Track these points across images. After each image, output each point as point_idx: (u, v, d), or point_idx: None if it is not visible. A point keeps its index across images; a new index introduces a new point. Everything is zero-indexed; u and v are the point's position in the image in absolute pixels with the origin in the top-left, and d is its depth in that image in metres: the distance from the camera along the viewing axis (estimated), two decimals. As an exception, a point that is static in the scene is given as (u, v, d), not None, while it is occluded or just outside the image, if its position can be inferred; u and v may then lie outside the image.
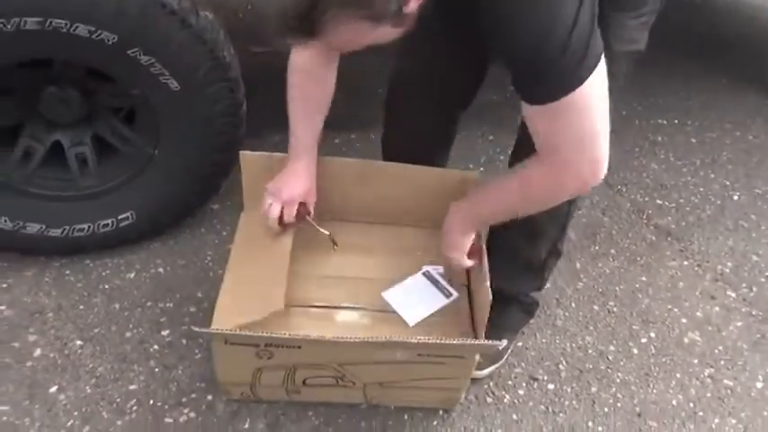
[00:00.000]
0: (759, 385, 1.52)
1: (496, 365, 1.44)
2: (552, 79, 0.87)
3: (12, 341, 1.39)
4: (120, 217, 1.51)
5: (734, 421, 1.44)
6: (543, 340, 1.56)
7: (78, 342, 1.41)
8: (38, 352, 1.38)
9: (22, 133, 1.43)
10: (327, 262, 1.37)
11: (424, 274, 1.37)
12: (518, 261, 1.38)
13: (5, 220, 1.42)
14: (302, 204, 1.26)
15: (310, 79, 1.18)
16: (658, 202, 2.06)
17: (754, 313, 1.71)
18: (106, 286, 1.54)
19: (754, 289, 1.78)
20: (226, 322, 1.16)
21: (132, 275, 1.57)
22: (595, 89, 0.89)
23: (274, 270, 1.24)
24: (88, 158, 1.48)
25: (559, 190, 1.03)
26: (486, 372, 1.42)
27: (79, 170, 1.48)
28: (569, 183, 1.00)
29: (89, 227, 1.49)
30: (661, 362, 1.55)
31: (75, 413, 1.28)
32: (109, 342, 1.42)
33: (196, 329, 1.13)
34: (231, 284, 1.25)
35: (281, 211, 1.24)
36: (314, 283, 1.33)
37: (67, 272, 1.55)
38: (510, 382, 1.45)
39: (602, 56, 0.89)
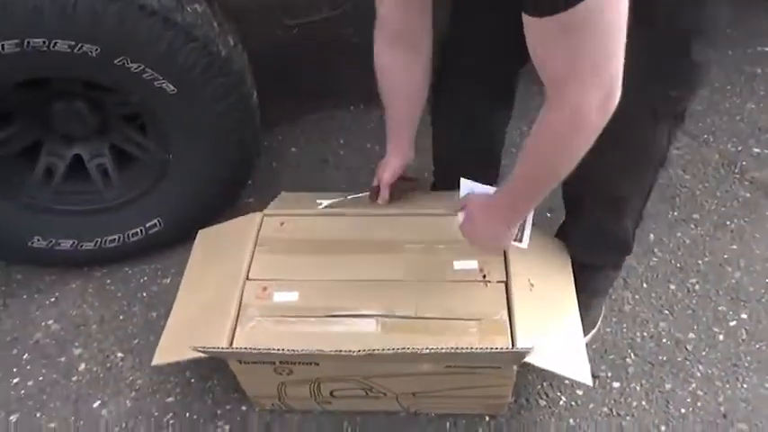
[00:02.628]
0: None
1: (594, 330, 1.36)
2: None
3: (59, 356, 1.43)
4: (147, 225, 1.49)
5: None
6: (607, 329, 1.37)
7: (119, 354, 1.42)
8: (82, 366, 1.40)
9: (41, 152, 1.43)
10: (337, 264, 1.26)
11: None
12: (604, 238, 1.28)
13: (39, 239, 1.44)
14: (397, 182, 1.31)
15: (390, 73, 1.18)
16: (755, 150, 1.73)
17: None
18: (144, 294, 1.53)
19: None
20: (164, 355, 1.16)
21: (168, 281, 1.56)
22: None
23: (223, 301, 1.18)
24: (109, 169, 1.46)
25: (580, 137, 0.89)
26: (587, 338, 1.31)
27: (102, 182, 1.46)
28: (589, 121, 0.85)
29: (119, 237, 1.49)
30: (754, 349, 1.32)
31: (116, 429, 1.29)
32: (148, 353, 1.41)
33: (200, 349, 1.07)
34: (177, 314, 1.24)
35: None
36: (331, 288, 1.22)
37: (108, 281, 1.57)
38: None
39: None
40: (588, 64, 0.79)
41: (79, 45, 1.14)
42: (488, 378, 1.13)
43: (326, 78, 2.07)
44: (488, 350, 1.05)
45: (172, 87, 1.24)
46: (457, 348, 1.02)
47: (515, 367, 1.12)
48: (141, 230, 1.49)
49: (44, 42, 1.12)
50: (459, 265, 1.22)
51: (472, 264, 1.21)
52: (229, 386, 1.34)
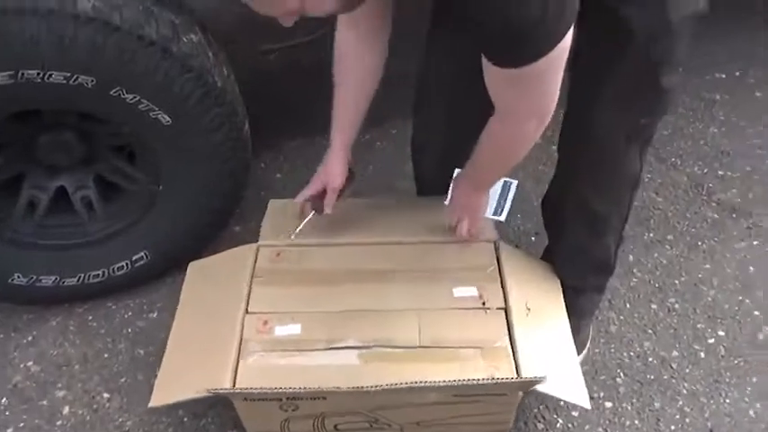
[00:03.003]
0: None
1: (585, 351, 1.40)
2: (528, 44, 0.82)
3: (41, 399, 1.36)
4: (134, 258, 1.44)
5: (824, 431, 1.27)
6: (596, 350, 1.42)
7: (106, 395, 1.37)
8: (66, 409, 1.34)
9: (23, 184, 1.37)
10: (337, 295, 1.25)
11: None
12: (587, 259, 1.32)
13: (18, 276, 1.38)
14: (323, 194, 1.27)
15: (348, 60, 1.17)
16: (720, 173, 1.84)
17: (839, 297, 1.51)
18: (129, 330, 1.49)
19: (838, 267, 1.57)
20: (165, 396, 1.12)
21: (155, 315, 1.51)
22: (564, 51, 0.85)
23: (222, 336, 1.17)
24: (93, 201, 1.41)
25: (520, 146, 1.04)
26: (579, 359, 1.32)
27: (87, 214, 1.41)
28: (528, 137, 1.00)
29: (104, 271, 1.44)
30: (733, 365, 1.38)
31: (107, 475, 1.25)
32: (136, 392, 1.37)
33: (212, 391, 1.05)
34: (173, 351, 1.19)
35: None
36: (332, 320, 1.22)
37: (90, 317, 1.51)
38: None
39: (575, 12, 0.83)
40: (530, 105, 0.94)
41: (75, 76, 1.11)
42: (493, 405, 1.15)
43: (307, 104, 2.07)
44: (501, 380, 1.07)
45: (167, 118, 1.23)
46: (469, 380, 1.03)
47: (521, 393, 1.14)
48: (127, 264, 1.44)
49: (38, 74, 1.09)
50: (458, 292, 1.24)
51: (471, 290, 1.24)
52: (225, 423, 1.31)
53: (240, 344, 1.17)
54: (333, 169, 1.26)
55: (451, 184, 1.27)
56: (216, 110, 1.27)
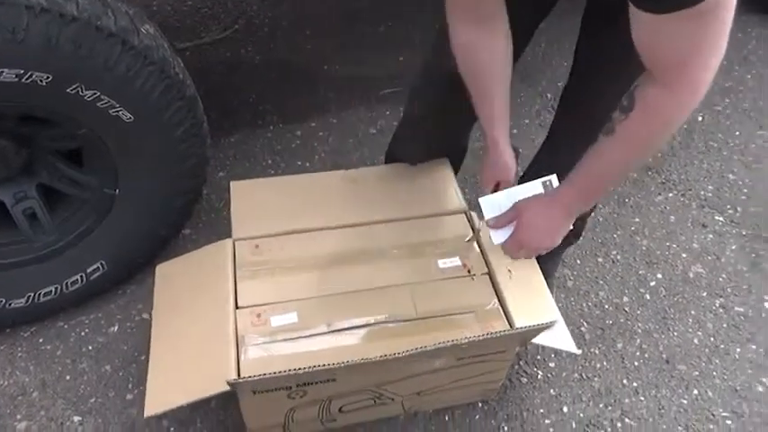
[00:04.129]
0: (767, 305, 1.56)
1: None
2: None
3: (-1, 434, 1.24)
4: (89, 270, 1.34)
5: (754, 347, 1.47)
6: (559, 305, 1.51)
7: (76, 418, 1.27)
8: (32, 440, 1.23)
9: (-47, 201, 1.23)
10: (326, 279, 1.25)
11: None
12: None
13: (-42, 303, 1.23)
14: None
15: (470, 54, 1.06)
16: (630, 137, 2.04)
17: (744, 233, 1.74)
18: (90, 348, 1.38)
19: (738, 209, 1.81)
20: (159, 403, 1.07)
21: (116, 329, 1.42)
22: None
23: (216, 334, 1.13)
24: (38, 213, 1.29)
25: (680, 112, 0.89)
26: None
27: (31, 228, 1.29)
28: (692, 99, 0.86)
29: (56, 288, 1.32)
30: (674, 302, 1.56)
31: (96, 501, 1.16)
32: (110, 410, 1.28)
33: (232, 382, 1.01)
34: (161, 356, 1.14)
35: None
36: (327, 303, 1.22)
37: (41, 340, 1.38)
38: (539, 357, 1.42)
39: None
40: (709, 44, 0.81)
41: (28, 74, 1.01)
42: (492, 363, 1.21)
43: (240, 99, 2.02)
44: (511, 331, 1.13)
45: (128, 115, 1.15)
46: (480, 335, 1.07)
47: (517, 348, 1.21)
48: (82, 277, 1.34)
49: (-13, 73, 0.98)
50: (443, 263, 1.28)
51: (455, 261, 1.29)
52: (215, 428, 1.27)
53: (237, 339, 1.13)
54: (506, 163, 1.17)
55: (514, 206, 1.15)
56: (178, 103, 1.21)
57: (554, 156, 1.32)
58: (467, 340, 1.03)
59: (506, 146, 1.16)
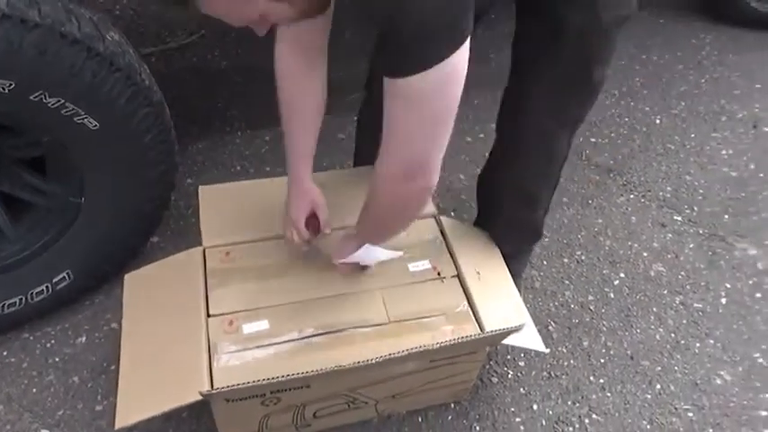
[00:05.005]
0: (723, 301, 1.62)
1: None
2: (410, 49, 0.77)
3: (-38, 451, 1.20)
4: (54, 280, 1.32)
5: (712, 341, 1.52)
6: (527, 305, 1.54)
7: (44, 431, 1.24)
8: (-1, 456, 1.20)
9: None
10: (296, 285, 1.25)
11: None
12: (521, 230, 1.44)
13: None
14: (312, 218, 1.22)
15: (297, 89, 1.12)
16: (592, 140, 2.09)
17: (701, 232, 1.80)
18: (56, 359, 1.35)
19: (695, 208, 1.87)
20: (130, 414, 1.06)
21: (83, 339, 1.39)
22: (450, 78, 0.80)
23: (187, 342, 1.13)
24: (1, 222, 1.26)
25: (403, 202, 1.00)
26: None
27: (-8, 238, 1.26)
28: (408, 188, 0.94)
29: (21, 299, 1.29)
30: (636, 300, 1.61)
31: None
32: (79, 422, 1.26)
33: (204, 393, 1.00)
34: (131, 366, 1.12)
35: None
36: (298, 310, 1.22)
37: (5, 353, 1.35)
38: (509, 357, 1.45)
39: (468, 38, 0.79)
40: (412, 135, 0.86)
41: (-10, 81, 1.00)
42: (463, 365, 1.23)
43: (204, 105, 2.00)
44: (482, 335, 1.15)
45: (94, 123, 1.14)
46: (452, 340, 1.09)
47: (487, 349, 1.24)
48: (47, 287, 1.31)
49: (-54, 80, 0.96)
50: (413, 267, 1.30)
51: (425, 264, 1.31)
52: (189, 435, 1.26)
53: (209, 347, 1.13)
54: (312, 189, 1.22)
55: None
56: (145, 110, 1.20)
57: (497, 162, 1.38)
58: (437, 345, 1.05)
59: (311, 183, 1.21)
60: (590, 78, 1.14)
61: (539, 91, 1.16)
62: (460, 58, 0.79)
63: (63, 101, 1.08)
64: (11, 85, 1.02)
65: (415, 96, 0.81)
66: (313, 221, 1.23)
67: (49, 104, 1.08)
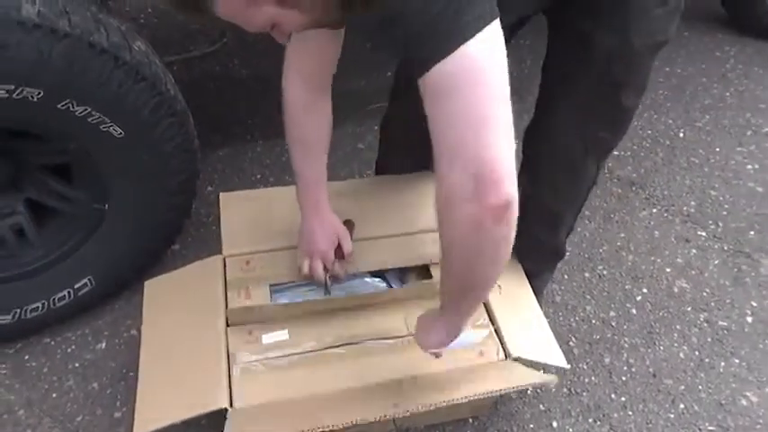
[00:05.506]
0: (749, 319, 1.59)
1: None
2: (428, 31, 0.69)
3: (-17, 454, 1.21)
4: (76, 286, 1.33)
5: (737, 361, 1.49)
6: (548, 320, 1.53)
7: (63, 437, 1.25)
8: (18, 460, 1.21)
9: (-63, 217, 1.21)
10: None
11: None
12: (542, 248, 1.40)
13: (-59, 320, 1.21)
14: (338, 249, 1.23)
15: (306, 116, 1.11)
16: (615, 153, 2.03)
17: (726, 248, 1.77)
18: (77, 364, 1.36)
19: (720, 224, 1.84)
20: (149, 422, 1.05)
21: (103, 345, 1.40)
22: (485, 58, 0.70)
23: (207, 351, 1.13)
24: (26, 228, 1.28)
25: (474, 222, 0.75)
26: None
27: (18, 243, 1.28)
28: (463, 207, 0.74)
29: (43, 304, 1.30)
30: (659, 317, 1.58)
31: None
32: (98, 428, 1.26)
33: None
34: (150, 373, 1.13)
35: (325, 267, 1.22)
36: (318, 320, 1.22)
37: (27, 357, 1.36)
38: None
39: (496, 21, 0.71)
40: (458, 139, 0.72)
41: (19, 89, 1.01)
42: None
43: (229, 113, 2.02)
44: (507, 387, 1.14)
45: (119, 131, 1.15)
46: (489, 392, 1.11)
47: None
48: (69, 293, 1.32)
49: (-23, 88, 0.98)
50: (434, 279, 1.29)
51: (446, 276, 1.29)
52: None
53: (228, 356, 1.13)
54: (335, 220, 1.23)
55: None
56: (169, 119, 1.21)
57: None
58: (466, 399, 1.07)
59: (331, 212, 1.22)
60: (619, 103, 1.10)
61: (567, 111, 1.13)
62: (486, 37, 0.69)
63: (90, 109, 1.10)
64: (39, 93, 1.03)
65: (448, 87, 0.70)
66: (337, 250, 1.23)
67: (76, 113, 1.09)
